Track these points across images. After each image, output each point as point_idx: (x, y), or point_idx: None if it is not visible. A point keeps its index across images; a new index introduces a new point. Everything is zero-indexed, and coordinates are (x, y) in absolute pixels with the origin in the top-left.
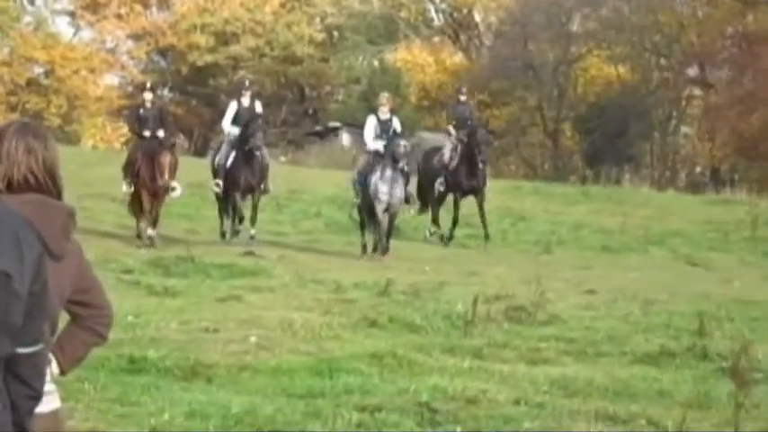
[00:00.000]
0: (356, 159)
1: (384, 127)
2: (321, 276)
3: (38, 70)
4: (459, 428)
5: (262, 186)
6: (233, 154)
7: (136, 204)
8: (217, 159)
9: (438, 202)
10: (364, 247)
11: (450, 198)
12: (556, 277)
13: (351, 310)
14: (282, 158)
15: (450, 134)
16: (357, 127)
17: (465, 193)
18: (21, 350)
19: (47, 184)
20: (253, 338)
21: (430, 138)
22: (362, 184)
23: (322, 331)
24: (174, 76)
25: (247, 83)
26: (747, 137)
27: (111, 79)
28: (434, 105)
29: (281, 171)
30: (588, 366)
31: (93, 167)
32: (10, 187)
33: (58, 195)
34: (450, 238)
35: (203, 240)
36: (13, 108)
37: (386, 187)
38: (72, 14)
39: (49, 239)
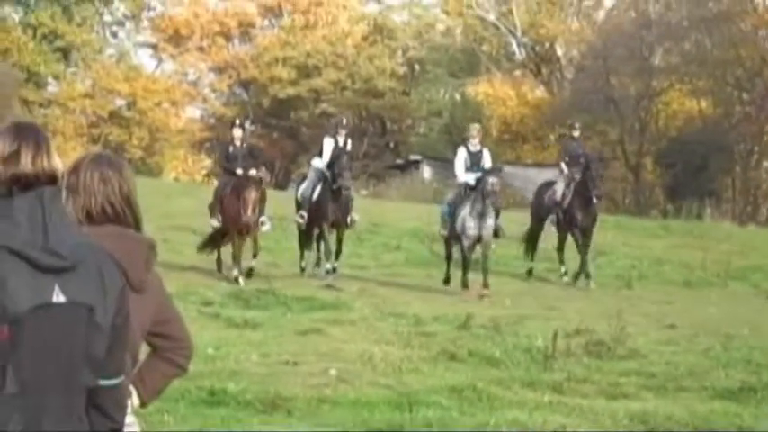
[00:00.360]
0: (440, 193)
1: (474, 159)
2: (401, 309)
3: (120, 102)
4: None
5: (348, 220)
6: (319, 187)
7: (218, 240)
8: (301, 191)
9: (561, 242)
10: (447, 280)
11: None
12: (636, 312)
13: (430, 344)
14: (364, 191)
15: (562, 171)
16: (438, 160)
17: (580, 230)
18: (103, 382)
19: (124, 213)
20: (332, 371)
21: (511, 171)
22: (451, 216)
23: (402, 364)
24: (255, 108)
25: (344, 121)
26: None
27: (192, 112)
28: (516, 139)
29: (362, 204)
30: (668, 401)
31: (174, 199)
32: (90, 218)
33: (137, 225)
34: (587, 276)
35: (284, 273)
36: (95, 140)
37: (474, 222)
38: (154, 47)
39: (131, 272)
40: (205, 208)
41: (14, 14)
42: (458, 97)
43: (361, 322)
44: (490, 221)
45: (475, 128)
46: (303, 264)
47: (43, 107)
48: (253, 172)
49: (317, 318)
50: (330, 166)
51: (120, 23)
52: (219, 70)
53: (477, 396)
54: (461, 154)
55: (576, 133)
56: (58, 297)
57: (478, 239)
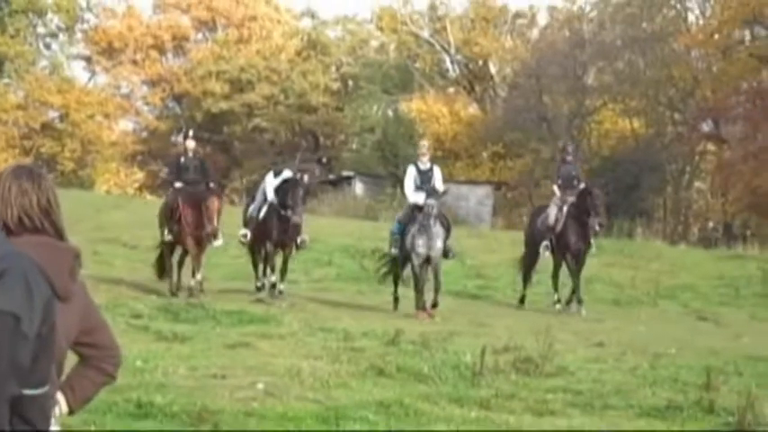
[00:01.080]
0: (372, 209)
1: (424, 177)
2: (330, 325)
3: (52, 114)
4: None
5: (298, 240)
6: (266, 207)
7: (169, 256)
8: (250, 210)
9: (555, 268)
10: (396, 301)
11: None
12: (565, 329)
13: (359, 359)
14: None
15: (554, 194)
16: (370, 176)
17: (573, 256)
18: (27, 392)
19: (42, 225)
20: (260, 385)
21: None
22: (401, 234)
23: (330, 379)
24: (188, 122)
25: (287, 173)
26: (760, 193)
27: (125, 124)
28: (448, 156)
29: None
30: (595, 419)
31: (106, 212)
32: (8, 230)
33: (59, 236)
34: (579, 301)
35: (214, 287)
36: (27, 152)
37: (422, 240)
38: (88, 59)
39: (57, 281)
40: (136, 221)
41: None
42: (391, 114)
43: (290, 337)
44: (439, 242)
45: (424, 145)
46: (258, 283)
47: None
48: (212, 184)
49: (246, 332)
50: (280, 192)
51: (54, 35)
52: (153, 83)
53: (404, 411)
54: (411, 172)
55: (569, 157)
56: None
57: (427, 259)
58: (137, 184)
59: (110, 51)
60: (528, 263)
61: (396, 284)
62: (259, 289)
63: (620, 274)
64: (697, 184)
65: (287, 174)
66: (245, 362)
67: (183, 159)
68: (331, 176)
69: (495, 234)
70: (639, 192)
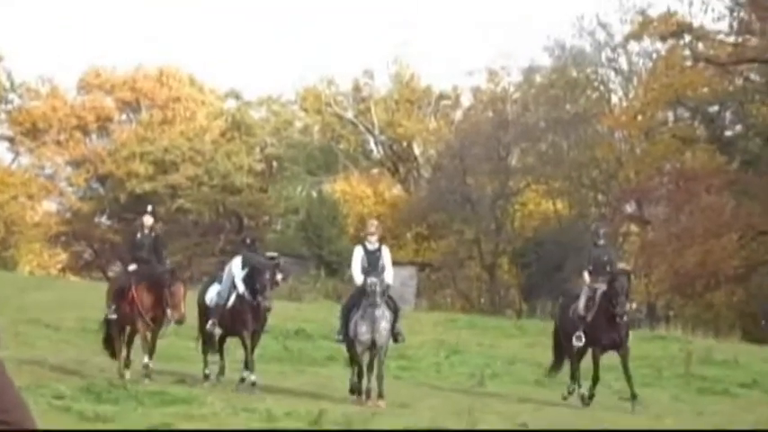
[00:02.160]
0: (295, 289)
1: (372, 259)
2: (253, 405)
3: None
4: None
5: (265, 327)
6: (234, 295)
7: (116, 337)
8: (211, 296)
9: (578, 357)
10: (352, 389)
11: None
12: (488, 410)
13: None
14: None
15: (585, 281)
16: (294, 257)
17: (605, 348)
18: None
19: None
20: None
21: None
22: (345, 320)
23: None
24: (111, 203)
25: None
26: (683, 273)
27: (49, 205)
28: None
29: None
30: None
31: (28, 293)
32: None
33: None
34: (591, 397)
35: (136, 369)
36: None
37: (365, 326)
38: (11, 140)
39: None
40: (59, 301)
41: None
42: (315, 195)
43: (212, 417)
44: (385, 325)
45: (373, 224)
46: (207, 371)
47: None
48: (168, 266)
49: (169, 412)
50: (249, 279)
51: None
52: (77, 164)
53: None
54: (358, 254)
55: (602, 241)
56: None
57: (372, 344)
58: (60, 265)
59: (33, 132)
60: (558, 354)
61: (352, 371)
62: (207, 377)
63: (543, 355)
64: (620, 265)
65: (256, 261)
66: None
67: (138, 236)
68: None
69: (419, 315)
70: (563, 273)
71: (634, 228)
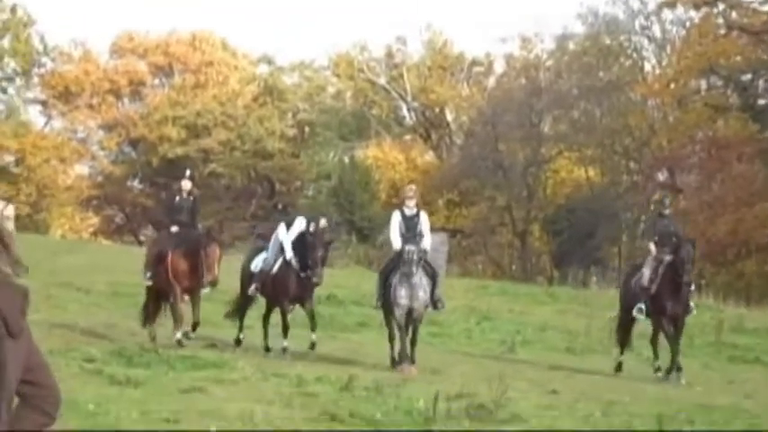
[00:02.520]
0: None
1: (410, 224)
2: (284, 370)
3: (8, 158)
4: None
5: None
6: (280, 261)
7: (152, 301)
8: (257, 263)
9: (627, 328)
10: (393, 360)
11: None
12: (519, 377)
13: (312, 405)
14: None
15: (650, 252)
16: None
17: (670, 320)
18: None
19: None
20: (213, 429)
21: None
22: (383, 286)
23: (282, 424)
24: (144, 167)
25: (323, 221)
26: (714, 242)
27: (81, 169)
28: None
29: None
30: None
31: (60, 256)
32: None
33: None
34: (679, 369)
35: (167, 332)
36: None
37: (404, 291)
38: (44, 104)
39: (10, 319)
40: (91, 265)
41: None
42: (347, 160)
43: (243, 382)
44: (422, 292)
45: (411, 189)
46: (241, 335)
47: None
48: (202, 229)
49: (200, 377)
50: (297, 250)
51: (10, 79)
52: (109, 128)
53: None
54: (395, 219)
55: (667, 210)
56: None
57: (409, 311)
58: (92, 229)
59: (66, 96)
60: (623, 327)
61: (391, 342)
62: (239, 342)
63: (575, 322)
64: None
65: (300, 223)
66: (198, 407)
67: (177, 199)
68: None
69: (450, 281)
70: (595, 241)
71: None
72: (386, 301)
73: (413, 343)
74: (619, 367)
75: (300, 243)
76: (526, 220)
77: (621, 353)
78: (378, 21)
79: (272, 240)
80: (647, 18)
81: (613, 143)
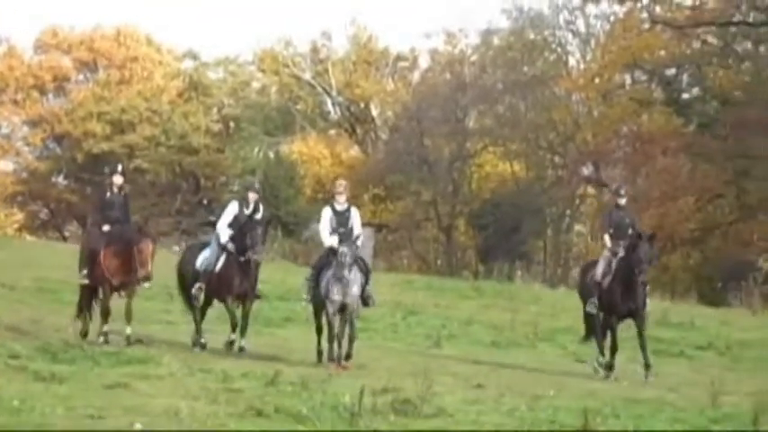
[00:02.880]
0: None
1: (341, 219)
2: (209, 366)
3: None
4: None
5: (256, 291)
6: (223, 258)
7: (86, 299)
8: (201, 261)
9: (602, 327)
10: (320, 354)
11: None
12: (444, 371)
13: (237, 400)
14: (176, 248)
15: (606, 245)
16: None
17: (621, 317)
18: None
19: None
20: (138, 426)
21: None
22: (315, 281)
23: (207, 420)
24: (68, 163)
25: (256, 185)
26: None
27: (5, 165)
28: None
29: (173, 260)
30: None
31: None
32: None
33: None
34: (610, 368)
35: (93, 329)
36: None
37: (337, 287)
38: None
39: None
40: (15, 261)
41: None
42: (272, 155)
43: (168, 377)
44: (356, 288)
45: (341, 184)
46: (203, 340)
47: None
48: (137, 225)
49: (125, 372)
50: (237, 237)
51: None
52: (33, 124)
53: None
54: (326, 214)
55: (623, 201)
56: None
57: (342, 307)
58: (16, 225)
59: None
60: (591, 324)
61: (318, 337)
62: (195, 345)
63: (499, 317)
64: (577, 227)
65: (233, 207)
66: (124, 402)
67: (108, 195)
68: (211, 218)
69: (377, 276)
70: (520, 235)
71: (591, 190)
72: (315, 296)
73: (350, 339)
74: (609, 368)
75: (236, 226)
76: (451, 214)
77: (601, 353)
78: (302, 16)
79: (214, 237)
80: (571, 13)
81: (538, 138)
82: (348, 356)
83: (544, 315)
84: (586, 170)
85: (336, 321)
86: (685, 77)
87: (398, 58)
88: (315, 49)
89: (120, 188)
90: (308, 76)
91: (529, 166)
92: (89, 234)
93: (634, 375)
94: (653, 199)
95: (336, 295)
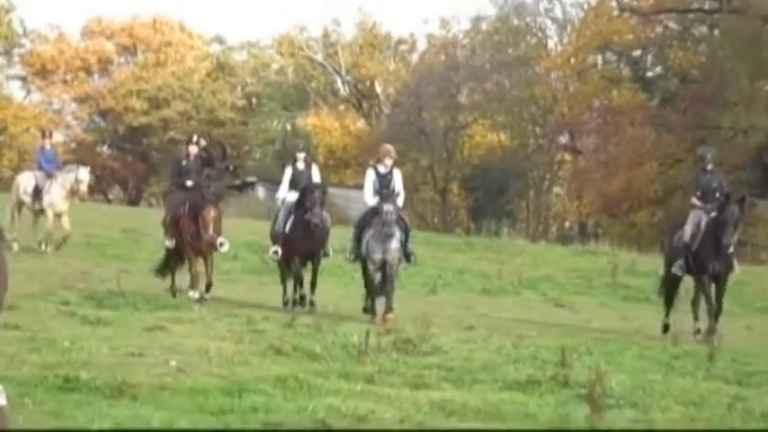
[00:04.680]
0: (272, 210)
1: (384, 182)
2: (235, 311)
3: None
4: None
5: (322, 252)
6: (290, 220)
7: (173, 261)
8: (275, 227)
9: (672, 286)
10: (366, 310)
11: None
12: (440, 315)
13: (260, 340)
14: None
15: (693, 206)
16: (271, 182)
17: (711, 278)
18: None
19: None
20: (173, 362)
21: (336, 192)
22: (357, 240)
23: (233, 357)
24: (111, 135)
25: (301, 145)
26: (610, 197)
27: (57, 137)
28: (339, 164)
29: None
30: (464, 391)
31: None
32: None
33: None
34: (712, 332)
35: (134, 279)
36: None
37: (377, 246)
38: (24, 79)
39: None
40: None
41: None
42: (289, 128)
43: (199, 321)
44: (395, 245)
45: (385, 147)
46: (286, 298)
47: None
48: (205, 192)
49: (161, 317)
50: (299, 199)
51: None
52: (81, 101)
53: (298, 385)
54: (370, 176)
55: (710, 165)
56: None
57: (383, 264)
58: None
59: (43, 72)
60: (668, 286)
61: (368, 294)
62: (286, 304)
63: (488, 268)
64: (556, 189)
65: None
66: (160, 342)
67: (184, 163)
68: (237, 182)
69: None
70: (506, 196)
71: (567, 156)
72: (358, 255)
73: (389, 294)
74: (665, 329)
75: (301, 195)
76: (446, 178)
77: (667, 314)
78: (316, 3)
79: (283, 203)
80: (550, 1)
81: (521, 111)
82: (389, 309)
83: (527, 266)
84: (563, 139)
85: (378, 277)
86: (649, 58)
87: (399, 41)
88: (326, 34)
89: (196, 156)
90: (320, 57)
91: (513, 136)
92: (170, 200)
93: (605, 317)
94: (622, 164)
95: (377, 253)
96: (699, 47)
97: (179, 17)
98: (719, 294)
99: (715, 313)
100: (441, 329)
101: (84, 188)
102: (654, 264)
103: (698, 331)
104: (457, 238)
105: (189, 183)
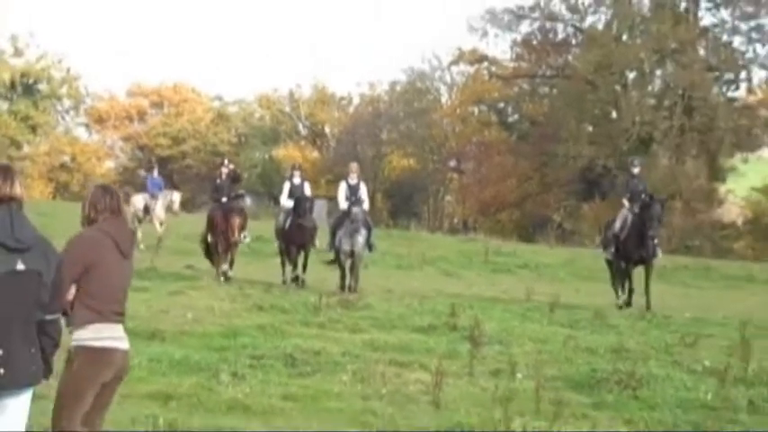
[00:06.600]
0: (257, 215)
1: (352, 191)
2: (232, 280)
3: (65, 158)
4: (308, 368)
5: (312, 244)
6: (288, 221)
7: (213, 253)
8: (277, 226)
9: (620, 272)
10: (341, 287)
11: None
12: (369, 284)
13: (247, 300)
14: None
15: (623, 205)
16: (255, 194)
17: (635, 263)
18: (48, 317)
19: (117, 211)
20: (189, 315)
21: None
22: (333, 234)
23: (230, 312)
24: (146, 162)
25: (297, 165)
26: (483, 202)
27: (109, 164)
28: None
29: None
30: (386, 334)
31: None
32: (92, 219)
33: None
34: (628, 304)
35: (162, 260)
36: (51, 181)
37: (346, 240)
38: (86, 125)
39: (122, 245)
40: None
41: (3, 105)
42: (267, 157)
43: (207, 287)
44: (360, 238)
45: (353, 165)
46: (284, 277)
47: (20, 160)
48: (233, 203)
49: (181, 285)
50: (294, 206)
51: (67, 111)
52: (125, 139)
53: (274, 330)
54: (342, 187)
55: (636, 170)
56: (20, 266)
57: (351, 253)
58: None
59: (100, 120)
60: (613, 272)
61: (342, 276)
62: (284, 282)
63: (401, 250)
64: (447, 197)
65: (287, 185)
66: (181, 302)
67: (218, 181)
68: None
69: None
70: (414, 202)
71: (455, 175)
72: (333, 247)
73: (355, 277)
74: (620, 307)
75: (296, 203)
76: (373, 190)
77: (617, 296)
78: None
79: (282, 209)
80: (443, 71)
81: (424, 145)
82: (354, 290)
83: (428, 249)
84: (452, 163)
85: (347, 264)
86: (510, 108)
87: (341, 98)
88: (291, 93)
89: (227, 176)
90: (287, 109)
91: (418, 162)
92: (210, 208)
93: (480, 285)
94: (491, 181)
95: (347, 245)
96: (543, 101)
97: (192, 82)
98: (647, 275)
99: (647, 290)
100: (370, 294)
101: (176, 207)
102: (513, 247)
103: (622, 305)
104: (381, 231)
105: (224, 199)
